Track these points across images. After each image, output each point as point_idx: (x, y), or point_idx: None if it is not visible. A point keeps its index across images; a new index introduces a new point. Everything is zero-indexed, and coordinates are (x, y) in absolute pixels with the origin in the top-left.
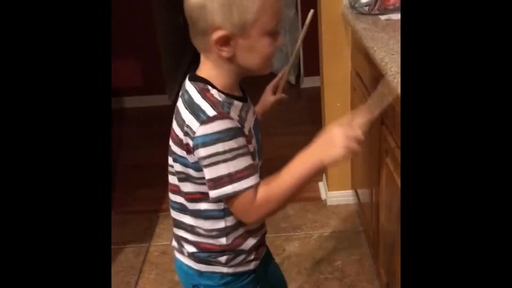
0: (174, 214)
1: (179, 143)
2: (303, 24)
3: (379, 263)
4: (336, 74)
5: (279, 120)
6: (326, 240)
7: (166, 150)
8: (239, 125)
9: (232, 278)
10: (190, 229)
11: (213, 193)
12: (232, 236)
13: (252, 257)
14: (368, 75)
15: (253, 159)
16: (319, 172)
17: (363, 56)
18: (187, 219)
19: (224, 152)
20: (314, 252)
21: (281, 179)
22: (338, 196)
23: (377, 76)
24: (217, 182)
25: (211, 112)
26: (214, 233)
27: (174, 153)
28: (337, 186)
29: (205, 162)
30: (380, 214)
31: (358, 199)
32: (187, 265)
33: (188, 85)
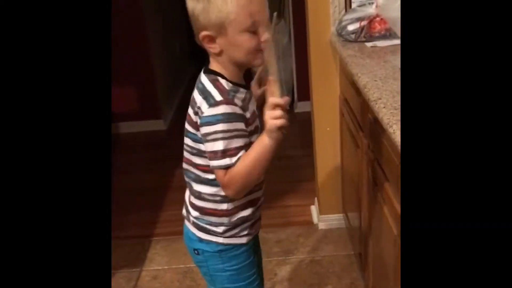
0: (187, 182)
1: (191, 122)
2: (296, 49)
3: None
4: (325, 100)
5: None
6: (318, 264)
7: (160, 175)
8: (240, 111)
9: (226, 247)
10: (198, 195)
11: (212, 163)
12: (233, 204)
13: (246, 231)
14: (354, 101)
15: (254, 135)
16: (272, 150)
17: (349, 82)
18: (198, 187)
19: (223, 131)
20: (306, 276)
21: (243, 159)
22: (329, 220)
23: (362, 102)
24: (215, 155)
25: (218, 97)
26: (217, 198)
27: (188, 131)
28: (329, 210)
29: (208, 138)
30: (369, 238)
31: (349, 222)
32: (191, 231)
33: (202, 77)
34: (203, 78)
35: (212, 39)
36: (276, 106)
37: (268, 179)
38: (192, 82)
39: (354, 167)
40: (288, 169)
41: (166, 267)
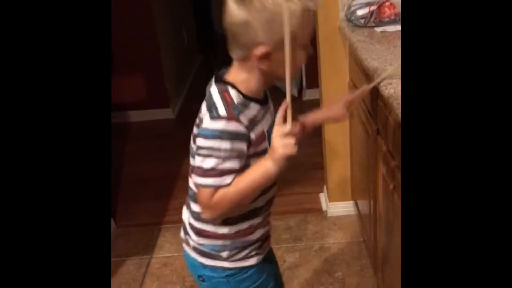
0: (188, 199)
1: (193, 136)
2: None
3: (379, 275)
4: (334, 86)
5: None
6: (327, 251)
7: (169, 163)
8: (244, 131)
9: (234, 272)
10: (196, 216)
11: (197, 179)
12: (235, 228)
13: (254, 252)
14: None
15: (262, 156)
16: (273, 176)
17: (359, 68)
18: (195, 207)
19: (218, 149)
20: (315, 263)
21: (236, 183)
22: (338, 207)
23: (372, 87)
24: (203, 172)
25: (222, 111)
26: (216, 221)
27: (191, 148)
28: (338, 197)
29: (199, 151)
30: (378, 225)
31: (358, 210)
32: (192, 257)
33: (212, 87)
34: (213, 88)
35: (269, 56)
36: (288, 134)
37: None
38: (200, 70)
39: (364, 154)
40: (297, 157)
41: (175, 254)
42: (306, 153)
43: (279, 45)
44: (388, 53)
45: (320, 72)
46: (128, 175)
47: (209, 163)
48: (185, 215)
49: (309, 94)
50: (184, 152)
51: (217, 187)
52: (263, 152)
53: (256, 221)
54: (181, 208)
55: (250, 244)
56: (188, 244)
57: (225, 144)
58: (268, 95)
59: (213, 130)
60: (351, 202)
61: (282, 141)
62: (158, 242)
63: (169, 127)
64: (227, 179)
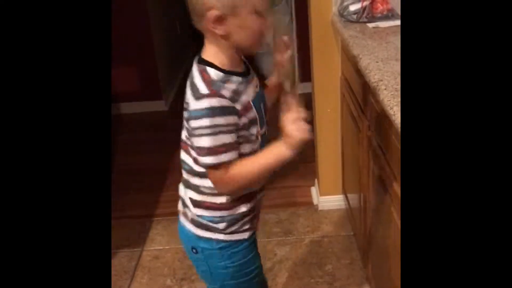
0: (184, 174)
1: (184, 115)
2: (297, 29)
3: (369, 267)
4: (326, 81)
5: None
6: (317, 245)
7: (161, 156)
8: (229, 103)
9: (227, 244)
10: (196, 188)
11: (201, 159)
12: (231, 198)
13: (247, 226)
14: (356, 82)
15: (252, 126)
16: (286, 160)
17: (351, 63)
18: (195, 180)
19: (208, 127)
20: (305, 256)
21: (251, 163)
22: (329, 201)
23: (363, 83)
24: (201, 151)
25: (204, 90)
26: (215, 191)
27: (185, 125)
28: (329, 191)
29: (194, 132)
30: (368, 218)
31: (349, 204)
32: (188, 229)
33: (194, 67)
34: (194, 69)
35: (221, 20)
36: (299, 119)
37: None
38: (193, 62)
39: (355, 149)
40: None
41: (167, 247)
42: None
43: (231, 9)
44: (380, 49)
45: (312, 66)
46: (120, 167)
47: (203, 142)
48: (182, 189)
49: (301, 88)
50: (176, 144)
51: (217, 165)
52: (253, 122)
53: (251, 190)
54: (173, 201)
55: (244, 215)
56: (185, 216)
57: (214, 120)
58: (250, 68)
59: (200, 110)
60: (342, 196)
61: (295, 126)
62: (149, 235)
63: (162, 119)
64: (224, 155)
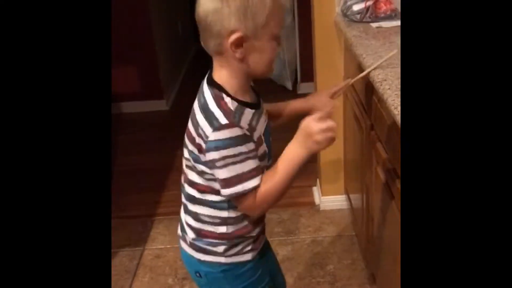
0: (184, 201)
1: (192, 140)
2: (299, 30)
3: (370, 268)
4: (329, 81)
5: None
6: (319, 245)
7: (162, 155)
8: (247, 133)
9: (230, 267)
10: (195, 216)
11: (224, 192)
12: (232, 228)
13: (249, 247)
14: (358, 82)
15: (263, 160)
16: (305, 162)
17: (354, 63)
18: (195, 208)
19: (234, 155)
20: (307, 256)
21: (275, 178)
22: (331, 201)
23: (367, 83)
24: (228, 182)
25: (223, 120)
26: (216, 221)
27: (187, 148)
28: (331, 191)
29: (217, 164)
30: (370, 219)
31: (351, 204)
32: (189, 253)
33: (205, 89)
34: (206, 93)
35: (241, 42)
36: (326, 117)
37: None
38: (194, 62)
39: (357, 149)
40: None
41: (168, 246)
42: None
43: (252, 32)
44: (383, 49)
45: (315, 66)
46: (121, 166)
47: (229, 172)
48: (182, 215)
49: (304, 88)
50: (177, 144)
51: (248, 191)
52: (263, 156)
53: (254, 218)
54: (174, 200)
55: (246, 239)
56: (184, 240)
57: (237, 149)
58: (261, 99)
59: (221, 140)
60: (343, 196)
61: (324, 135)
62: (151, 234)
63: (163, 119)
64: (253, 181)
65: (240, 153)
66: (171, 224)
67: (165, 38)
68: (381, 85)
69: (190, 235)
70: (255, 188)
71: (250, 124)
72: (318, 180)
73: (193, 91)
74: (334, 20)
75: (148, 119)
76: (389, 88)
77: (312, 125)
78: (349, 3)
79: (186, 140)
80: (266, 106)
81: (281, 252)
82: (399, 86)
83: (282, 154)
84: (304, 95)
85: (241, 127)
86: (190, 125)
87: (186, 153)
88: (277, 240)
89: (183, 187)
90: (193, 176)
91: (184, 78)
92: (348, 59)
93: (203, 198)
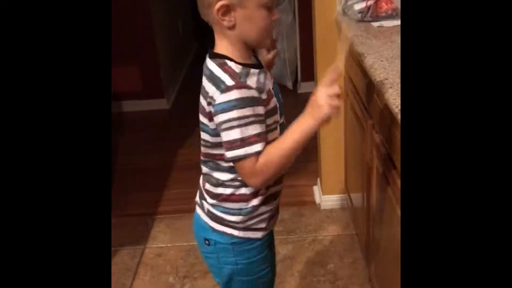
0: (205, 172)
1: (204, 112)
2: (300, 29)
3: (371, 267)
4: None
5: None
6: (320, 244)
7: (163, 154)
8: (255, 94)
9: (240, 240)
10: (216, 182)
11: (228, 154)
12: (252, 189)
13: (263, 225)
14: (360, 81)
15: (274, 114)
16: (312, 134)
17: (355, 62)
18: (217, 174)
19: (239, 118)
20: (308, 255)
21: (279, 145)
22: (332, 200)
23: (368, 82)
24: (231, 144)
25: (230, 82)
26: (236, 183)
27: (202, 123)
28: (331, 190)
29: (222, 126)
30: (371, 218)
31: (351, 203)
32: (203, 220)
33: (209, 62)
34: (210, 64)
35: (228, 10)
36: (335, 95)
37: None
38: (195, 61)
39: (358, 148)
40: None
41: (169, 244)
42: None
43: (237, 0)
44: (385, 48)
45: (316, 65)
46: (122, 165)
47: (234, 134)
48: (201, 181)
49: (304, 87)
50: (178, 142)
51: (250, 155)
52: (274, 110)
53: (272, 190)
54: (175, 199)
55: (261, 213)
56: (202, 207)
57: (243, 112)
58: (261, 61)
59: (228, 102)
60: (344, 195)
61: (329, 101)
62: (152, 233)
63: (164, 118)
64: (257, 145)
65: (245, 116)
66: (172, 222)
67: (166, 37)
68: (382, 84)
69: (210, 201)
70: (258, 153)
71: (258, 81)
72: (318, 179)
73: (194, 90)
74: (335, 19)
75: (149, 118)
76: (390, 87)
77: (317, 91)
78: (350, 2)
79: (201, 117)
80: None
81: (282, 251)
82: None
83: (291, 124)
84: (304, 95)
85: (249, 87)
86: (201, 99)
87: (202, 134)
88: (278, 239)
89: (205, 161)
90: (213, 150)
91: (185, 77)
92: (349, 58)
93: (226, 165)
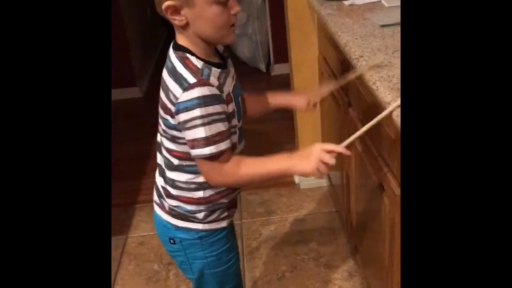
0: (159, 166)
1: (164, 106)
2: (270, 11)
3: (353, 242)
4: (304, 60)
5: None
6: (301, 223)
7: (139, 143)
8: (217, 92)
9: (206, 233)
10: (172, 183)
11: (193, 152)
12: (209, 192)
13: (225, 214)
14: (334, 59)
15: (232, 119)
16: (285, 175)
17: (328, 41)
18: (170, 174)
19: (202, 116)
20: (290, 234)
21: (255, 164)
22: (311, 179)
23: (343, 60)
24: (195, 143)
25: (192, 79)
26: (192, 186)
27: (161, 116)
28: None
29: (186, 125)
30: (351, 195)
31: (330, 181)
32: (165, 220)
33: (171, 54)
34: (172, 57)
35: (176, 10)
36: (333, 152)
37: (249, 143)
38: (166, 47)
39: (335, 126)
40: (268, 132)
41: (152, 232)
42: (278, 127)
43: (186, 0)
44: (358, 25)
45: (289, 46)
46: None
47: (198, 133)
48: (159, 181)
49: (277, 69)
50: (154, 130)
51: (215, 154)
52: (232, 114)
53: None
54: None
55: (222, 205)
56: (161, 206)
57: (206, 110)
58: (227, 60)
59: (191, 100)
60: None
61: (322, 155)
62: (133, 222)
63: (137, 106)
64: (222, 144)
65: (209, 114)
66: (153, 210)
67: (135, 24)
68: (358, 61)
69: (170, 202)
70: (223, 152)
71: (219, 82)
72: None
73: None
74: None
75: (122, 107)
76: (366, 64)
77: (316, 149)
78: None
79: (160, 110)
80: (246, 94)
81: (264, 232)
82: (376, 62)
83: (277, 154)
84: (278, 77)
85: (211, 85)
86: (161, 94)
87: (160, 122)
88: (260, 221)
89: (158, 152)
90: (167, 144)
91: (157, 64)
92: (322, 38)
93: (179, 163)
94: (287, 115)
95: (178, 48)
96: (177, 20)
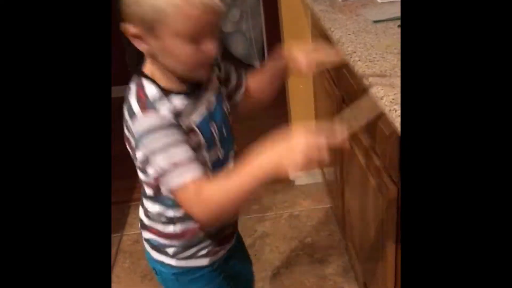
0: (141, 196)
1: (125, 137)
2: (264, 7)
3: (347, 238)
4: None
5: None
6: (296, 219)
7: None
8: (167, 118)
9: (182, 271)
10: (145, 212)
11: (162, 187)
12: (179, 227)
13: (205, 251)
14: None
15: (198, 151)
16: (271, 180)
17: (322, 38)
18: (146, 203)
19: (158, 146)
20: (285, 231)
21: (231, 181)
22: (305, 175)
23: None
24: (159, 177)
25: (136, 108)
26: (162, 219)
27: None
28: None
29: (145, 159)
30: (345, 190)
31: (325, 177)
32: (146, 249)
33: (132, 79)
34: (132, 82)
35: (141, 40)
36: (321, 146)
37: (243, 139)
38: None
39: (328, 122)
40: (262, 129)
41: None
42: (271, 124)
43: (148, 28)
44: (351, 21)
45: (283, 42)
46: None
47: (158, 163)
48: (140, 210)
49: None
50: None
51: (184, 184)
52: (197, 147)
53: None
54: None
55: (198, 242)
56: (142, 235)
57: (159, 140)
58: (200, 84)
59: (141, 131)
60: (317, 170)
61: (310, 152)
62: (128, 220)
63: None
64: (187, 171)
65: (164, 143)
66: None
67: None
68: (350, 57)
69: (144, 233)
70: (194, 180)
71: (176, 112)
72: None
73: None
74: None
75: (115, 106)
76: (359, 60)
77: (299, 142)
78: None
79: (124, 136)
80: (249, 81)
81: (259, 228)
82: (369, 57)
83: (251, 158)
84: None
85: (157, 112)
86: (124, 119)
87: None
88: (255, 217)
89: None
90: (139, 173)
91: None
92: (316, 34)
93: (151, 193)
94: (280, 112)
95: (140, 73)
96: (140, 46)
